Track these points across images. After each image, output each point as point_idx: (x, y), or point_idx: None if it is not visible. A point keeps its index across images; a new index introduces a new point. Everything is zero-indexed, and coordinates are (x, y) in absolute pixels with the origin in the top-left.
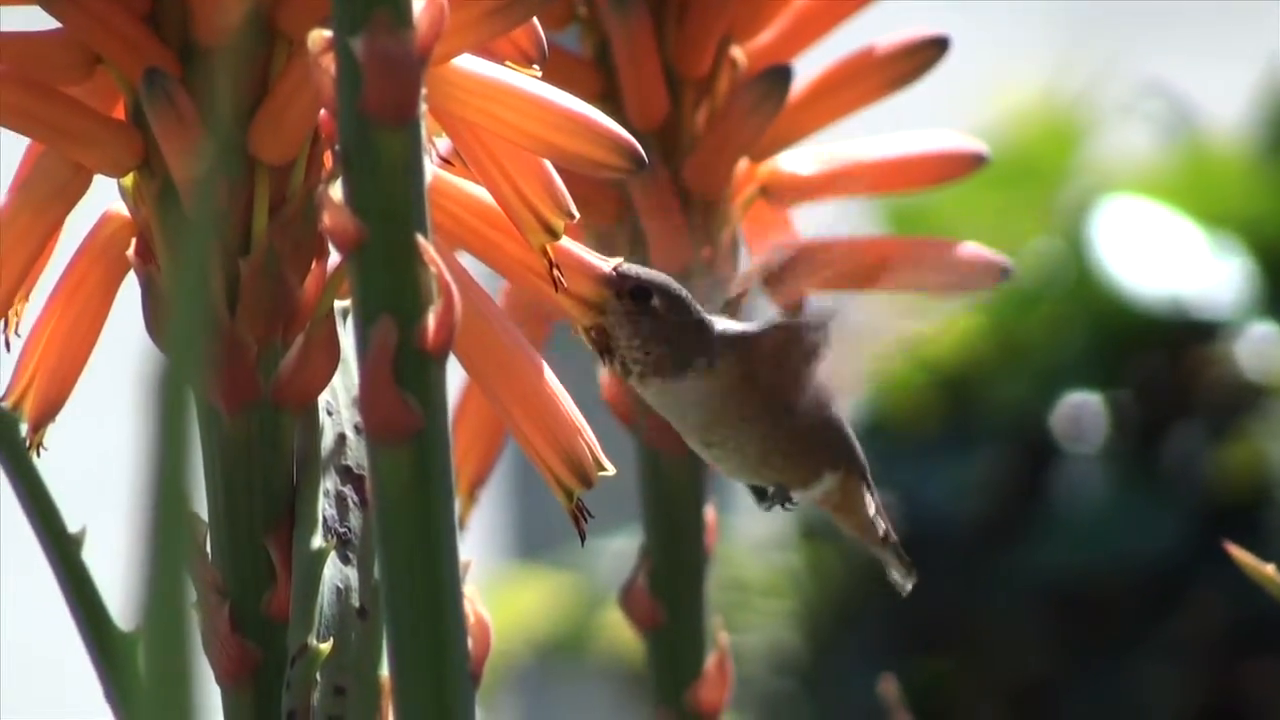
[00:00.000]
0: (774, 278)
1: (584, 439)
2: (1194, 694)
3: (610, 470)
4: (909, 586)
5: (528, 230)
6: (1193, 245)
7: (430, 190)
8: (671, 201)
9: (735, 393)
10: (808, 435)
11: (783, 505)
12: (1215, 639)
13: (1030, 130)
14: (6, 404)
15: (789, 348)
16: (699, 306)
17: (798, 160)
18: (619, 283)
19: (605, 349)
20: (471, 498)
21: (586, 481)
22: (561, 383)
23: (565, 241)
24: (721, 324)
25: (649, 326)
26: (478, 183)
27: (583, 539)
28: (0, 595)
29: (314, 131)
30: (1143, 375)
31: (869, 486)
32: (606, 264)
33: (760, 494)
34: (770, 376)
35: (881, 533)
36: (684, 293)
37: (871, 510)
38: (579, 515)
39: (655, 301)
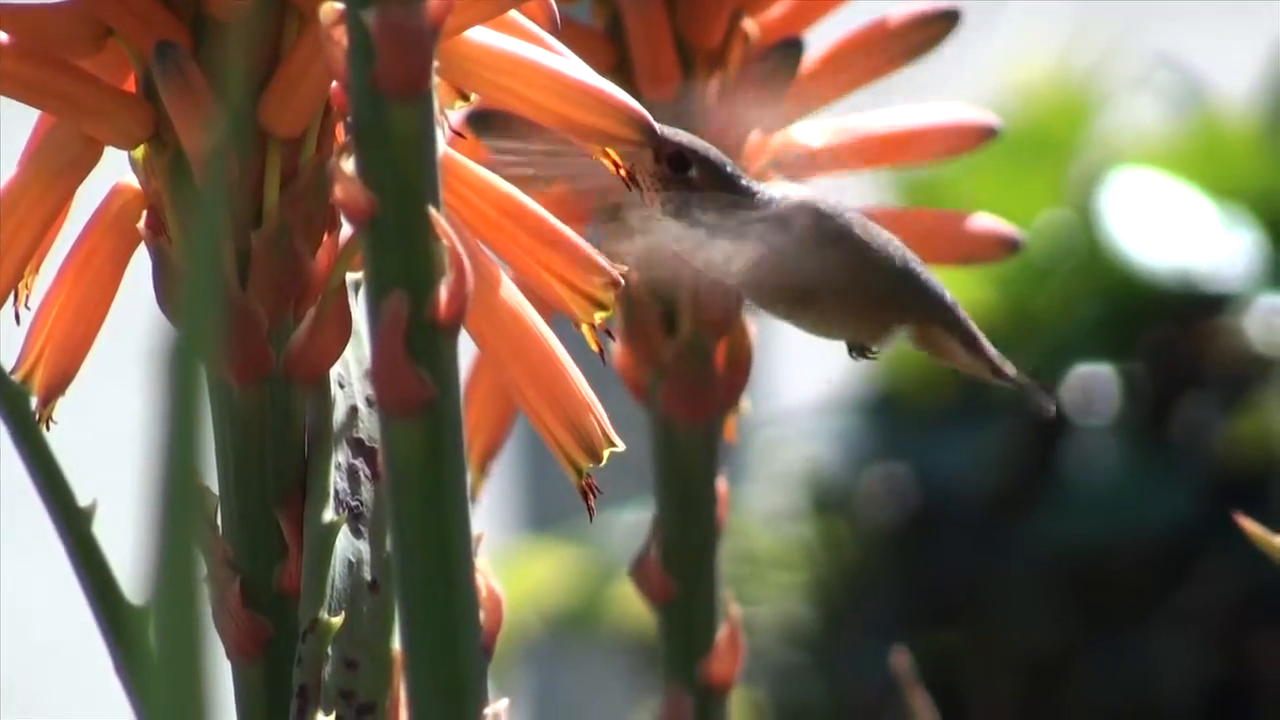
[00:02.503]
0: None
1: (594, 415)
2: (1205, 665)
3: (620, 446)
4: (1050, 411)
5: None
6: (1203, 218)
7: (443, 173)
8: None
9: (778, 259)
10: (865, 294)
11: (863, 355)
12: (1226, 610)
13: (1041, 103)
14: (16, 377)
15: (818, 222)
16: (745, 175)
17: (810, 133)
18: (656, 153)
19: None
20: (483, 471)
21: (596, 458)
22: (572, 355)
23: (571, 236)
24: (770, 187)
25: (688, 196)
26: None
27: (591, 515)
28: (10, 569)
29: (325, 104)
30: (1153, 347)
31: (959, 330)
32: (615, 269)
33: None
34: (807, 250)
35: (991, 370)
36: (723, 158)
37: (969, 353)
38: (588, 491)
39: (693, 170)
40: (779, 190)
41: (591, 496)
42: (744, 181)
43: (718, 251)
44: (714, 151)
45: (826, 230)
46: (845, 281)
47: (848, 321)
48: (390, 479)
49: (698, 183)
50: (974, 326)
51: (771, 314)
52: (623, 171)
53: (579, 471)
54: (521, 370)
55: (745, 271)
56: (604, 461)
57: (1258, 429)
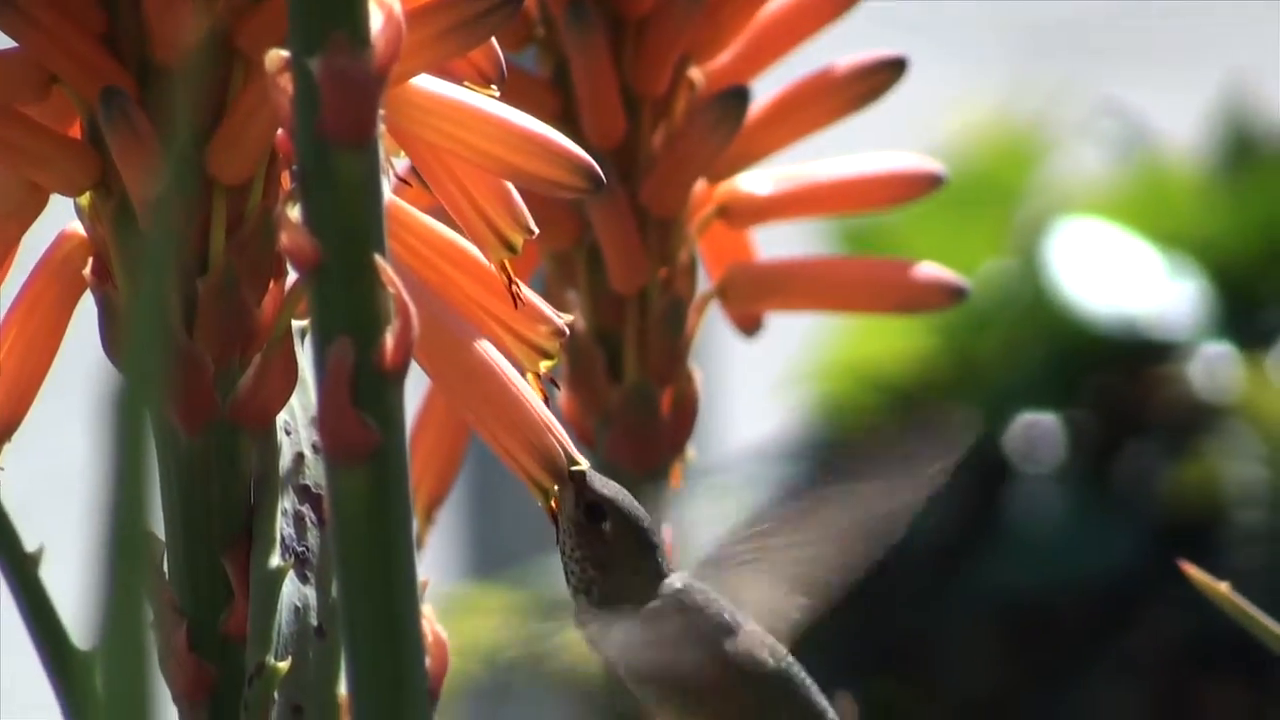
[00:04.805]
0: (731, 299)
1: (554, 434)
2: (1149, 712)
3: (583, 463)
4: None
5: (487, 247)
6: (1148, 266)
7: (388, 220)
8: (629, 222)
9: (646, 653)
10: (729, 710)
11: None
12: (1170, 657)
13: (986, 151)
14: None
15: (692, 623)
16: (661, 554)
17: (755, 181)
18: (578, 494)
19: (555, 523)
20: (429, 518)
21: (560, 477)
22: None
23: (524, 291)
24: (678, 579)
25: (594, 547)
26: (437, 199)
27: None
28: None
29: (271, 151)
30: (1098, 395)
31: None
32: (560, 319)
33: None
34: (681, 653)
35: None
36: (646, 530)
37: None
38: (555, 513)
39: (607, 525)
40: (680, 581)
41: (554, 519)
42: (653, 558)
43: (601, 622)
44: (640, 519)
45: (693, 635)
46: (704, 685)
47: None
48: (336, 525)
49: (609, 538)
50: None
51: (635, 693)
52: (553, 503)
53: (545, 493)
54: (478, 397)
55: (616, 650)
56: (566, 479)
57: (1202, 476)
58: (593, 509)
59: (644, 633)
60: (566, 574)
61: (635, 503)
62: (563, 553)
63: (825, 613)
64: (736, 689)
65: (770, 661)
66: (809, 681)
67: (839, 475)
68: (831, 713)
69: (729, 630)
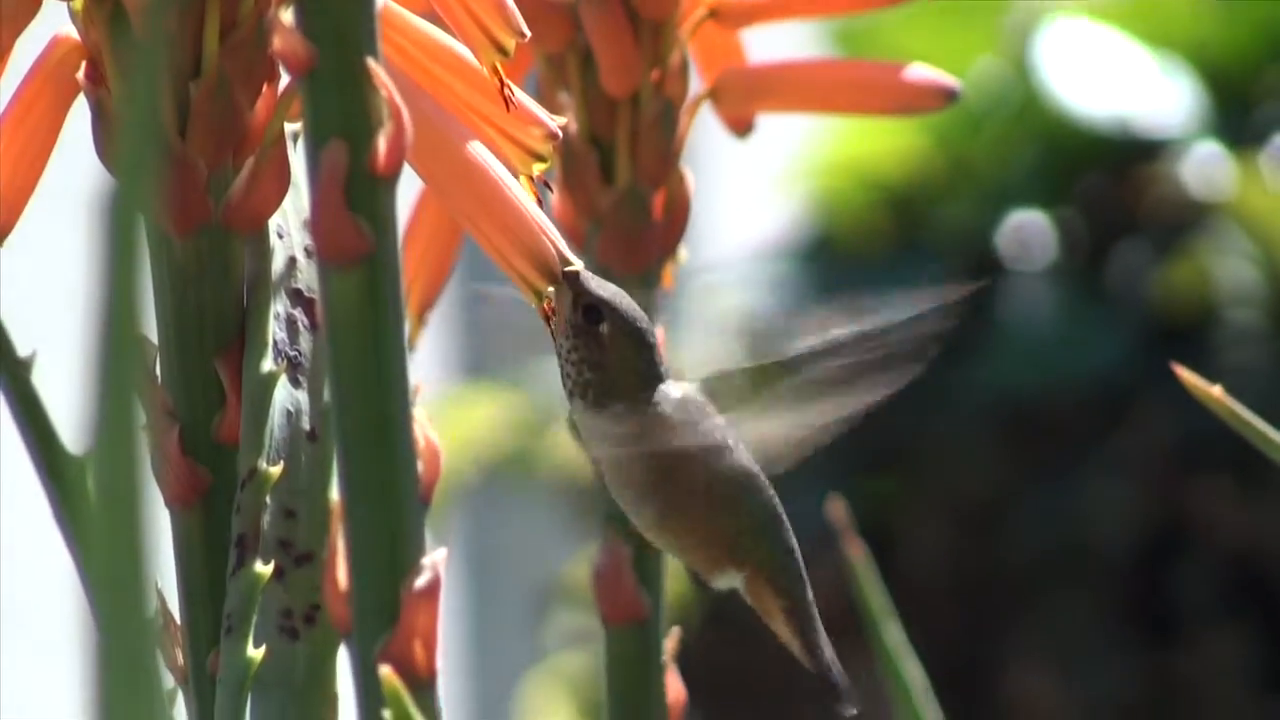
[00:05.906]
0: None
1: (548, 236)
2: (1139, 511)
3: (577, 264)
4: (847, 711)
5: (479, 50)
6: (1139, 66)
7: (381, 24)
8: (621, 23)
9: (636, 456)
10: (709, 525)
11: (703, 585)
12: (1160, 456)
13: None
14: None
15: (691, 433)
16: (657, 356)
17: None
18: (575, 295)
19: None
20: (421, 320)
21: (554, 278)
22: None
23: (516, 93)
24: (674, 387)
25: (591, 348)
26: (429, 2)
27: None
28: None
29: None
30: (1089, 194)
31: (789, 599)
32: (553, 121)
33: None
34: (671, 458)
35: (805, 651)
36: (644, 330)
37: (789, 625)
38: (548, 314)
39: (604, 326)
40: (678, 389)
41: (550, 324)
42: (650, 360)
43: (595, 423)
44: (637, 320)
45: (683, 441)
46: (687, 491)
47: (672, 541)
48: (329, 329)
49: (605, 340)
50: (813, 611)
51: (618, 498)
52: (547, 305)
53: (538, 294)
54: (471, 198)
55: (607, 451)
56: (559, 280)
57: (1193, 275)
58: (590, 310)
59: (636, 435)
60: (563, 375)
61: (632, 303)
62: (559, 354)
63: (806, 458)
64: (718, 499)
65: (756, 480)
66: (783, 515)
67: (849, 326)
68: (796, 569)
69: (720, 443)
